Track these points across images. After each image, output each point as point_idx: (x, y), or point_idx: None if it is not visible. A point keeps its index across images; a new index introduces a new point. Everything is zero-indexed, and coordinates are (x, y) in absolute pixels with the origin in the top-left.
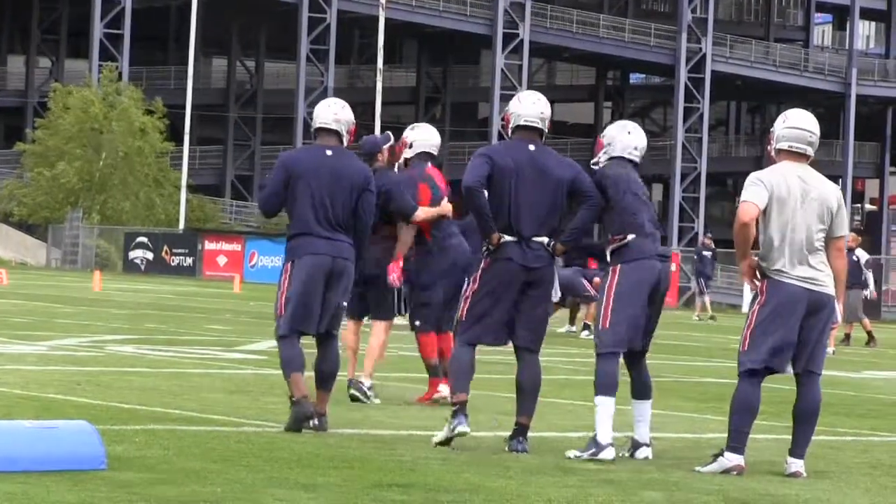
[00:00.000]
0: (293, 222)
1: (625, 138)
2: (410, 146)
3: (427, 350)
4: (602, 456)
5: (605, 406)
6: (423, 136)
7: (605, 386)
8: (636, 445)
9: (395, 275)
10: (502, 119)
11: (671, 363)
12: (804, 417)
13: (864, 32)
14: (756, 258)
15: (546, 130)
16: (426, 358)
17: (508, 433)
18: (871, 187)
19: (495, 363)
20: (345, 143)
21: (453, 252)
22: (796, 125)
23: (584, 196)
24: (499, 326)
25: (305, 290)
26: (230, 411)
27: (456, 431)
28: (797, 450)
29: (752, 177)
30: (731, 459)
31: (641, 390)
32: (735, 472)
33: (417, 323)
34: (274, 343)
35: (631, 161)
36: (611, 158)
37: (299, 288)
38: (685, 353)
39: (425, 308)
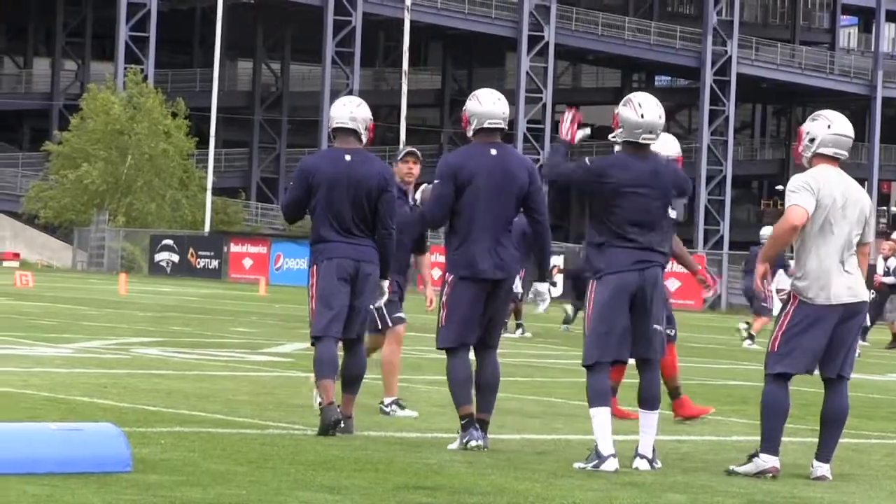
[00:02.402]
0: (315, 228)
1: (634, 119)
2: None
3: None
4: (604, 467)
5: (599, 416)
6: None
7: (595, 397)
8: (634, 454)
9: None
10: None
11: (696, 366)
12: (832, 421)
13: (890, 35)
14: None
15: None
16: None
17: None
18: None
19: (519, 365)
20: (364, 141)
21: None
22: (842, 132)
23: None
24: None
25: (332, 293)
26: (255, 414)
27: (469, 447)
28: (823, 454)
29: (800, 181)
30: (766, 461)
31: (645, 399)
32: (770, 475)
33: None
34: (299, 345)
35: (642, 144)
36: (624, 142)
37: (326, 291)
38: (709, 355)
39: None
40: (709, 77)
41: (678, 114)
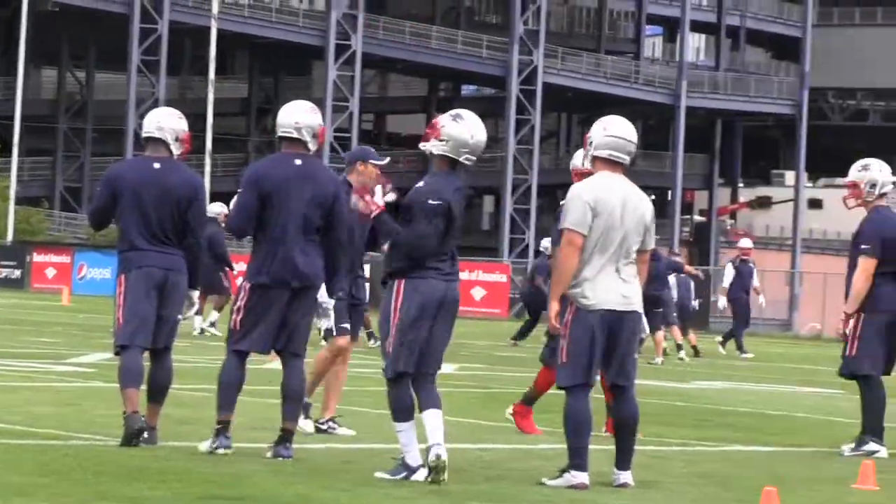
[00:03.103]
0: (122, 237)
1: (463, 138)
2: None
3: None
4: (414, 478)
5: (405, 431)
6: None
7: (400, 411)
8: (428, 448)
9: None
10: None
11: (500, 374)
12: (623, 429)
13: (694, 45)
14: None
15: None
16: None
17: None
18: (701, 199)
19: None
20: (176, 152)
21: None
22: (617, 134)
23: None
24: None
25: (139, 301)
26: (59, 425)
27: (216, 453)
28: (622, 462)
29: (574, 194)
30: (576, 476)
31: (428, 402)
32: (580, 490)
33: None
34: (103, 356)
35: (455, 161)
36: (441, 157)
37: (133, 300)
38: (516, 363)
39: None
40: (515, 86)
41: (485, 123)
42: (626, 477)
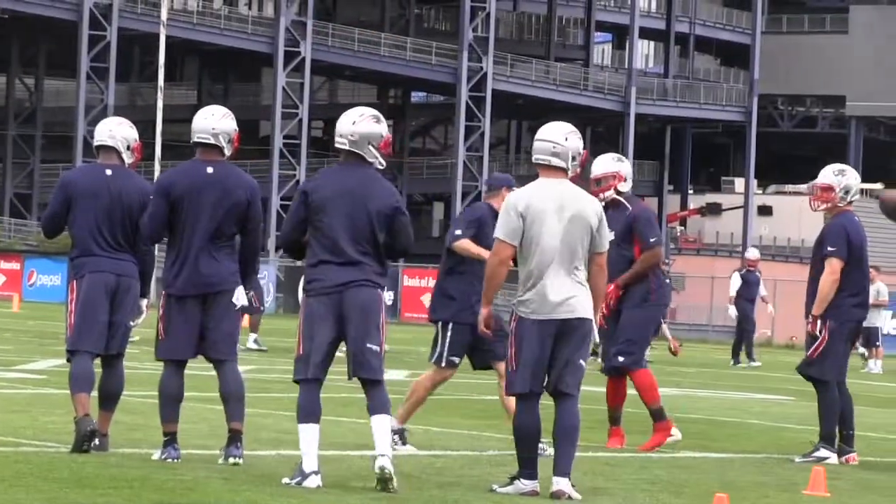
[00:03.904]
0: (74, 243)
1: (346, 129)
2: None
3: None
4: (306, 484)
5: (306, 433)
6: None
7: (303, 413)
8: (375, 458)
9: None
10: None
11: (450, 381)
12: (560, 437)
13: (643, 52)
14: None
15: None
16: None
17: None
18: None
19: (274, 381)
20: (128, 160)
21: None
22: (540, 137)
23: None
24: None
25: (91, 307)
26: (9, 431)
27: (165, 462)
28: (559, 468)
29: (506, 201)
30: (526, 485)
31: (372, 407)
32: (531, 497)
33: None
34: (54, 362)
35: (347, 151)
36: (346, 152)
37: (85, 305)
38: (461, 370)
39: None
40: (464, 93)
41: (434, 129)
42: (561, 484)
